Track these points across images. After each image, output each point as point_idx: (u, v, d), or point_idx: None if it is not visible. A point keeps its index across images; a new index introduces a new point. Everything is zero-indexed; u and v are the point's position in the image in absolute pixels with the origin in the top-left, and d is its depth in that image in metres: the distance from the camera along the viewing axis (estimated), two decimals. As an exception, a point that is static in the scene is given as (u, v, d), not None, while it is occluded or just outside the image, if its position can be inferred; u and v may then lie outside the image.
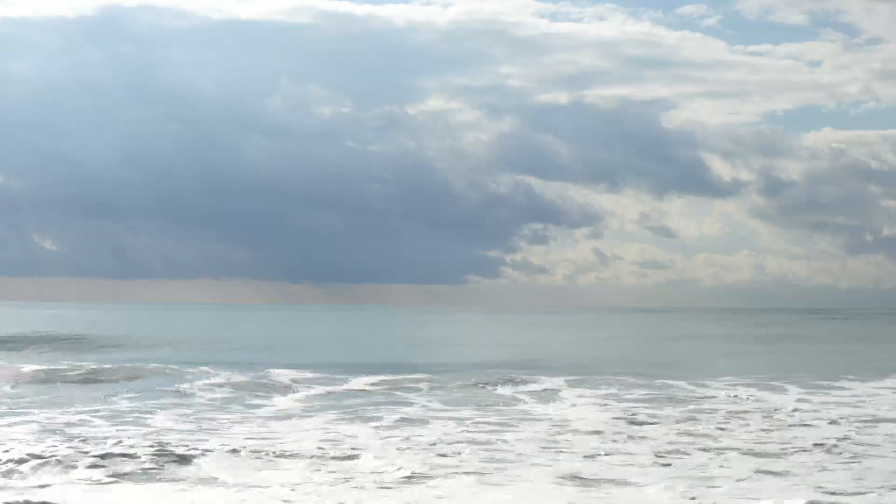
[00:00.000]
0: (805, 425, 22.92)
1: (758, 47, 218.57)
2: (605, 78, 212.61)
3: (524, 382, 33.46)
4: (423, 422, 23.31)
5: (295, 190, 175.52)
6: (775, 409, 25.71)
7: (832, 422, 23.40)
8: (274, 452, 18.41)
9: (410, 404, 27.22)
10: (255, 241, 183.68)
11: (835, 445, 19.70)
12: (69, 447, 18.36)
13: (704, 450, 19.27)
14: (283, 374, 35.33)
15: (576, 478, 16.32)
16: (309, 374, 35.74)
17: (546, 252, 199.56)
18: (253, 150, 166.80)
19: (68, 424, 22.13)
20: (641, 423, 23.13)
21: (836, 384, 32.96)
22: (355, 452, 18.50)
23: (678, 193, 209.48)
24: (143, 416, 24.05)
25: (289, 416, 24.39)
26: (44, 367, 37.86)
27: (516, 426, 22.52)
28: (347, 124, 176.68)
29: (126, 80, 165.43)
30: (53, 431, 20.88)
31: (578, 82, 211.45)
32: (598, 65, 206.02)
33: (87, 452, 17.85)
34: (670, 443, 20.20)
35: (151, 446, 18.61)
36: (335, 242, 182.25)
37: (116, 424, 22.32)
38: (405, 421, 23.45)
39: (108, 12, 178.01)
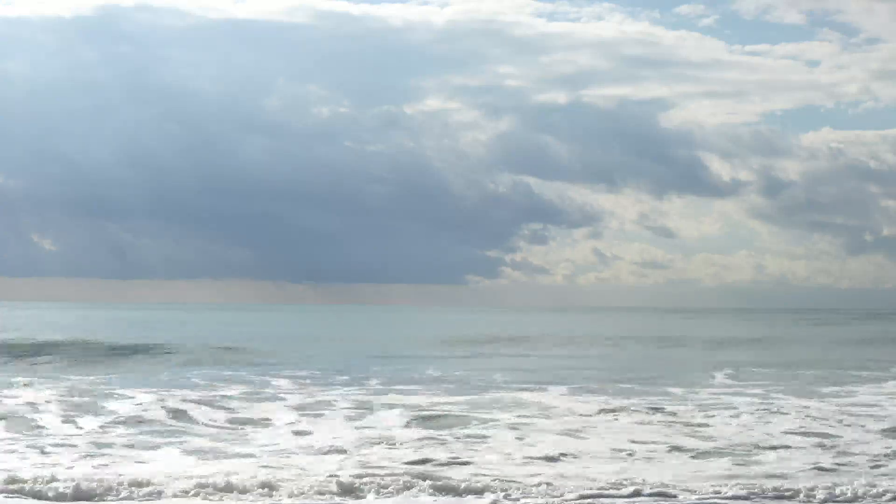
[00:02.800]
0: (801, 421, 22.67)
1: (756, 47, 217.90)
2: (604, 78, 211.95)
3: (510, 383, 33.08)
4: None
5: (294, 190, 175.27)
6: (769, 409, 25.19)
7: (815, 419, 22.99)
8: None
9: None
10: (255, 241, 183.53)
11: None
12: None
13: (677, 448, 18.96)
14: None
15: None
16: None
17: (546, 252, 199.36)
18: (250, 150, 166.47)
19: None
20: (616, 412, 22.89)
21: (837, 385, 32.37)
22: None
23: (677, 193, 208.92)
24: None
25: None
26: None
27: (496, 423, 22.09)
28: (345, 124, 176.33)
29: (123, 79, 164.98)
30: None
31: (577, 82, 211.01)
32: (596, 64, 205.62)
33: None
34: (643, 440, 19.83)
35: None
36: (335, 242, 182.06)
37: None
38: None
39: (105, 12, 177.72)
